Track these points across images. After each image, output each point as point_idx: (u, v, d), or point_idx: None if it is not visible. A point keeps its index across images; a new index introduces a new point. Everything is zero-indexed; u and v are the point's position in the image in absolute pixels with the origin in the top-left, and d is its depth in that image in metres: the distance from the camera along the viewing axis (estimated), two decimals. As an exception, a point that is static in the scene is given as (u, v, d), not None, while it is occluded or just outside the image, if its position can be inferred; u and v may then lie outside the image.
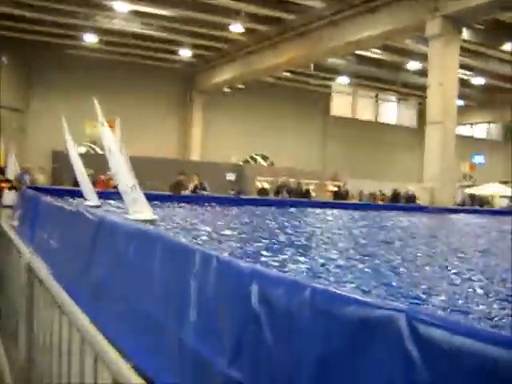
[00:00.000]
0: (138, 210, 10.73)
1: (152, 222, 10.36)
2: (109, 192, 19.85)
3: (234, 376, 3.36)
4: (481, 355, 2.05)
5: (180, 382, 4.09)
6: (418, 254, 8.90)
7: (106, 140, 11.40)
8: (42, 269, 3.12)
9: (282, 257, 7.24)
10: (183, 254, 4.46)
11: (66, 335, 2.41)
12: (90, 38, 38.32)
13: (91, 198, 14.21)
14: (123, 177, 10.89)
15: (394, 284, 6.27)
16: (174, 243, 4.87)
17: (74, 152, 14.85)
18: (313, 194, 36.34)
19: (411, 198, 31.21)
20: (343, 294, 2.74)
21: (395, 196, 34.38)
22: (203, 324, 3.97)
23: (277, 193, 30.07)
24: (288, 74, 44.18)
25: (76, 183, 24.65)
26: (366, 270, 6.98)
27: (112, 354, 1.82)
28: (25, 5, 32.12)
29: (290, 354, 2.94)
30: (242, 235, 11.07)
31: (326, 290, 2.81)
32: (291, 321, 2.95)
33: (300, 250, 8.54)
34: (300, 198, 28.50)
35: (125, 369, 1.75)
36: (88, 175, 15.94)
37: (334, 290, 2.82)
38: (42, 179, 28.15)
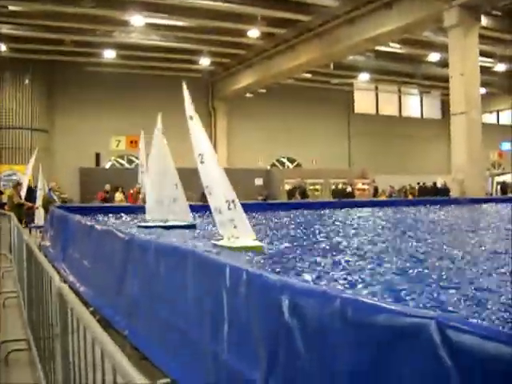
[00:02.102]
0: (235, 233, 9.26)
1: (256, 249, 8.86)
2: (139, 206, 19.94)
3: (271, 389, 3.37)
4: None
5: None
6: None
7: (197, 141, 10.04)
8: (72, 296, 3.14)
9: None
10: (214, 269, 4.49)
11: (99, 363, 2.43)
12: (110, 54, 38.43)
13: (185, 217, 13.60)
14: (219, 190, 9.46)
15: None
16: (204, 258, 4.90)
17: (170, 164, 13.92)
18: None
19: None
20: (372, 302, 2.74)
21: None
22: (237, 338, 3.99)
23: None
24: (308, 75, 44.06)
25: (106, 199, 24.94)
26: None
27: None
28: (43, 26, 32.40)
29: (322, 366, 2.95)
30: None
31: (356, 300, 2.82)
32: (323, 332, 2.96)
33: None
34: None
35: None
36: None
37: (364, 300, 2.82)
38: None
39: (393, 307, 2.60)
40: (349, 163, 49.75)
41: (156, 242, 6.33)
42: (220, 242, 9.66)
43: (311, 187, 38.31)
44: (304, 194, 29.12)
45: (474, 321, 4.06)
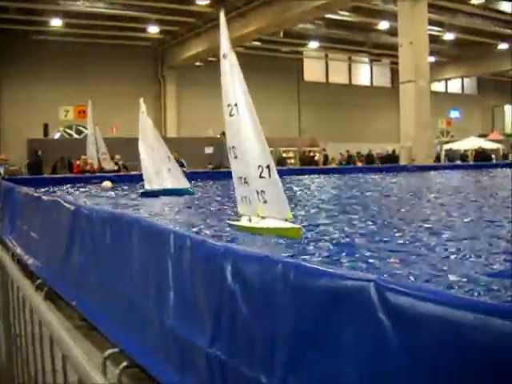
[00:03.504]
0: (263, 211, 7.51)
1: (292, 234, 7.09)
2: (87, 177, 19.75)
3: (216, 354, 3.39)
4: (449, 320, 2.09)
5: (164, 362, 4.12)
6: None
7: (227, 87, 8.16)
8: (13, 265, 3.10)
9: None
10: (159, 236, 4.47)
11: (38, 334, 2.41)
12: (56, 23, 37.60)
13: (182, 184, 14.86)
14: (251, 153, 7.71)
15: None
16: (149, 226, 4.88)
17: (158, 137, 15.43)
18: (292, 160, 36.60)
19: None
20: (313, 266, 2.77)
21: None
22: (182, 304, 4.00)
23: None
24: (258, 43, 43.84)
25: (55, 171, 24.54)
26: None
27: (79, 355, 1.81)
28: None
29: (266, 329, 2.98)
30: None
31: (298, 265, 2.84)
32: (266, 296, 2.99)
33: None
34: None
35: (91, 371, 1.74)
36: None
37: (305, 264, 2.85)
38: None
39: (333, 271, 2.64)
40: (299, 131, 49.84)
41: (101, 211, 6.28)
42: (239, 223, 8.09)
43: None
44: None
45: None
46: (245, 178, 7.72)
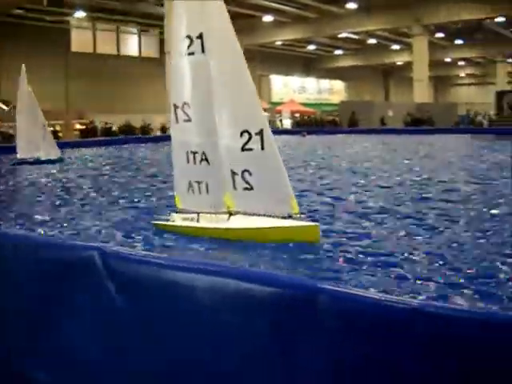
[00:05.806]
0: (250, 203, 5.19)
1: (308, 235, 5.25)
2: None
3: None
4: (177, 283, 2.20)
5: None
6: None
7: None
8: None
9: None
10: None
11: None
12: None
13: (53, 153, 16.06)
14: (226, 113, 5.21)
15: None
16: None
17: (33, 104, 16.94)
18: (60, 134, 35.70)
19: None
20: (44, 239, 2.78)
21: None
22: None
23: None
24: (21, 11, 41.87)
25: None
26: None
27: None
28: None
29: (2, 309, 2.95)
30: None
31: (27, 236, 2.84)
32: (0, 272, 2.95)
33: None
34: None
35: None
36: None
37: (35, 236, 2.86)
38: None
39: (62, 241, 2.65)
40: (66, 104, 48.50)
41: None
42: (174, 223, 5.79)
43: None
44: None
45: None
46: (203, 153, 5.37)
